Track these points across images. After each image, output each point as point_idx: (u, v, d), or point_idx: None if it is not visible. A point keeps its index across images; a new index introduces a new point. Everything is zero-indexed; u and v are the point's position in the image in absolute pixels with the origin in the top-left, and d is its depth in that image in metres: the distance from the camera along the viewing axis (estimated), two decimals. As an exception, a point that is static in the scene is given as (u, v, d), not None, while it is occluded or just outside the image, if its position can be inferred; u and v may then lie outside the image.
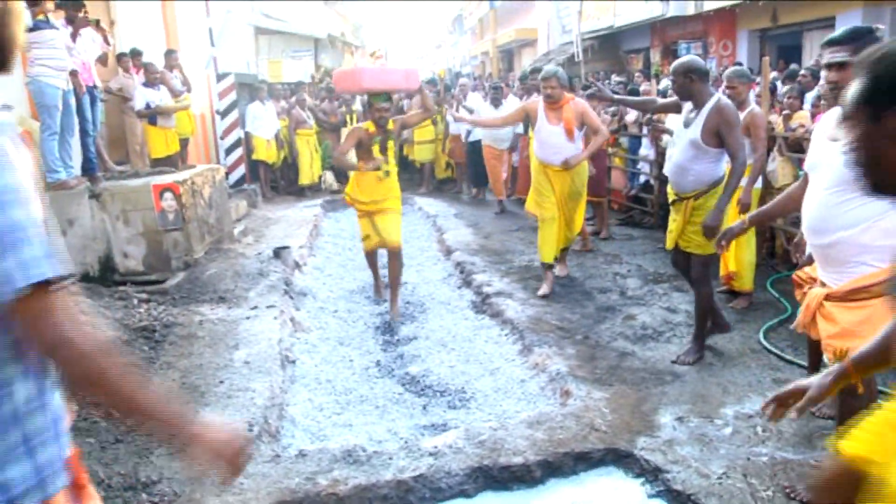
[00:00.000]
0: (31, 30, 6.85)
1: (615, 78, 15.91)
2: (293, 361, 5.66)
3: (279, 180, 14.68)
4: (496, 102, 11.11)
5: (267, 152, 13.61)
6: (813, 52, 13.90)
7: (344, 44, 28.77)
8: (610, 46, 22.83)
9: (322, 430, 4.62)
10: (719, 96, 4.89)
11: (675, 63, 5.02)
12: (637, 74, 15.09)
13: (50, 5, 7.08)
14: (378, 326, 6.66)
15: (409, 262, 8.88)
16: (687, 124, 4.91)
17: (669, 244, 5.32)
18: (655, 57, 20.53)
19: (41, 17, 6.95)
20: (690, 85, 4.85)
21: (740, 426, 4.21)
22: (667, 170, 5.26)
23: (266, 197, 13.49)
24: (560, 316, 6.30)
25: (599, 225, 9.50)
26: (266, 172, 14.02)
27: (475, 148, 11.97)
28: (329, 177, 14.72)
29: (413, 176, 14.74)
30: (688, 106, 4.97)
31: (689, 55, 5.16)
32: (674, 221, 5.18)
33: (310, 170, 14.42)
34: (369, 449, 4.05)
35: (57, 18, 7.36)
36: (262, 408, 4.58)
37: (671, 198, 5.20)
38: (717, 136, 4.76)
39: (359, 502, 3.61)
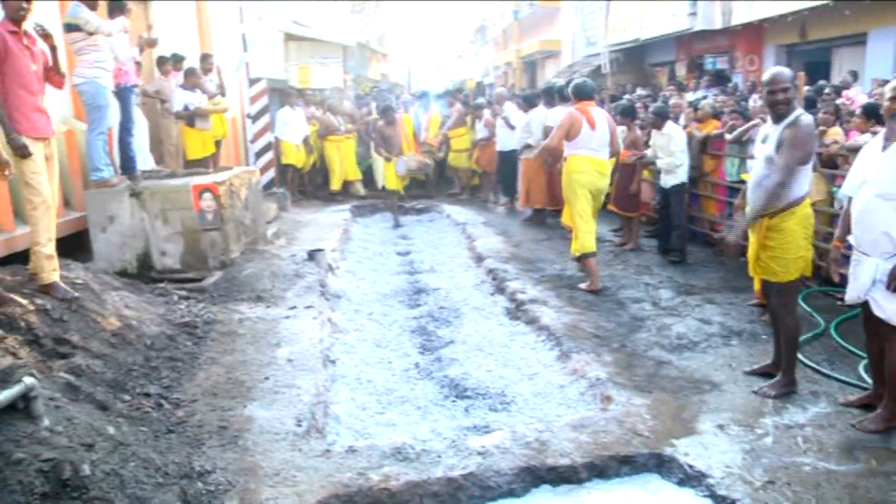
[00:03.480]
0: (88, 33, 6.98)
1: (640, 91, 15.96)
2: (333, 361, 5.75)
3: (307, 185, 14.82)
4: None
5: (296, 157, 13.75)
6: (843, 68, 13.91)
7: (371, 51, 28.97)
8: (635, 59, 22.89)
9: (366, 429, 4.70)
10: (801, 111, 4.63)
11: (777, 73, 4.63)
12: (669, 87, 15.12)
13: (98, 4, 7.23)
14: (414, 330, 6.74)
15: (441, 268, 9.00)
16: (765, 140, 4.74)
17: (751, 271, 5.07)
18: (681, 70, 20.58)
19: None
20: (790, 95, 4.60)
21: (781, 436, 4.26)
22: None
23: (294, 200, 13.61)
24: (595, 324, 6.36)
25: (626, 237, 9.56)
26: (294, 176, 14.16)
27: (506, 157, 12.06)
28: (358, 184, 14.86)
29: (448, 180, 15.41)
30: (769, 121, 4.79)
31: (775, 67, 4.93)
32: (752, 245, 4.92)
33: (340, 176, 14.55)
34: (417, 447, 4.12)
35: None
36: (309, 404, 4.67)
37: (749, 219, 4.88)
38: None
39: (410, 498, 3.69)
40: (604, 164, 7.46)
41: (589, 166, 7.34)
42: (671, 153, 8.33)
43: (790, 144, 4.50)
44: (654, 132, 8.74)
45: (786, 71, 4.69)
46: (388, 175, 12.40)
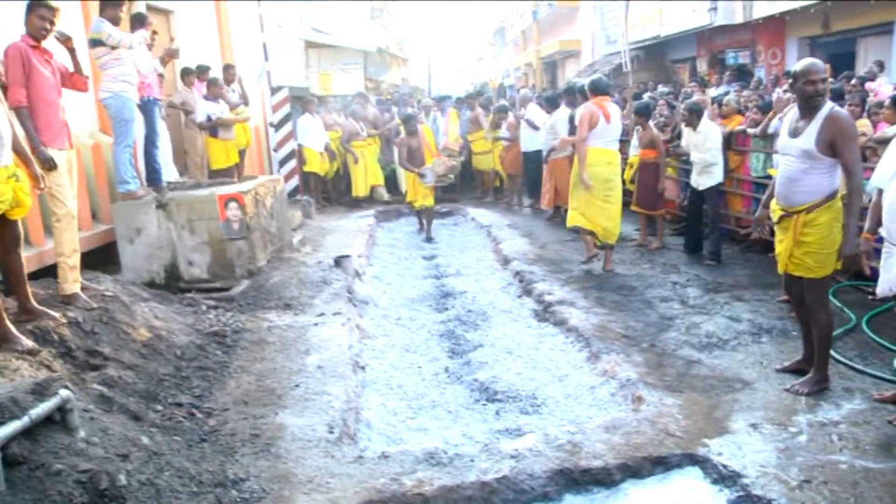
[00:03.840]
0: (111, 47, 7.07)
1: (661, 88, 15.87)
2: (363, 367, 5.77)
3: (331, 191, 14.88)
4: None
5: (320, 164, 13.80)
6: (868, 59, 13.73)
7: (391, 56, 29.05)
8: (656, 56, 22.78)
9: (398, 434, 4.71)
10: (833, 105, 4.56)
11: (812, 64, 4.58)
12: (691, 83, 15.02)
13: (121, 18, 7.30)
14: (442, 334, 6.75)
15: (467, 271, 9.00)
16: (794, 134, 4.63)
17: (781, 268, 4.93)
18: (702, 66, 20.43)
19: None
20: (827, 86, 4.56)
21: (815, 434, 4.21)
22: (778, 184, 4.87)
23: (319, 207, 13.67)
24: (624, 324, 6.33)
25: (643, 237, 9.48)
26: (317, 183, 14.22)
27: (530, 158, 12.04)
28: (382, 189, 14.89)
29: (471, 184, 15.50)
30: (791, 114, 4.74)
31: (808, 58, 4.83)
32: (780, 242, 4.84)
33: (364, 182, 14.61)
34: (450, 452, 4.12)
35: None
36: (340, 411, 4.69)
37: (776, 215, 4.83)
38: (832, 146, 4.45)
39: (444, 503, 3.69)
40: (614, 154, 8.12)
41: (601, 157, 7.97)
42: (707, 150, 8.22)
43: (847, 138, 4.45)
44: (686, 130, 8.64)
45: (820, 62, 4.62)
46: (418, 191, 11.29)
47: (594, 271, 8.18)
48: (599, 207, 8.03)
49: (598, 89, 8.14)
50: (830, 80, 8.99)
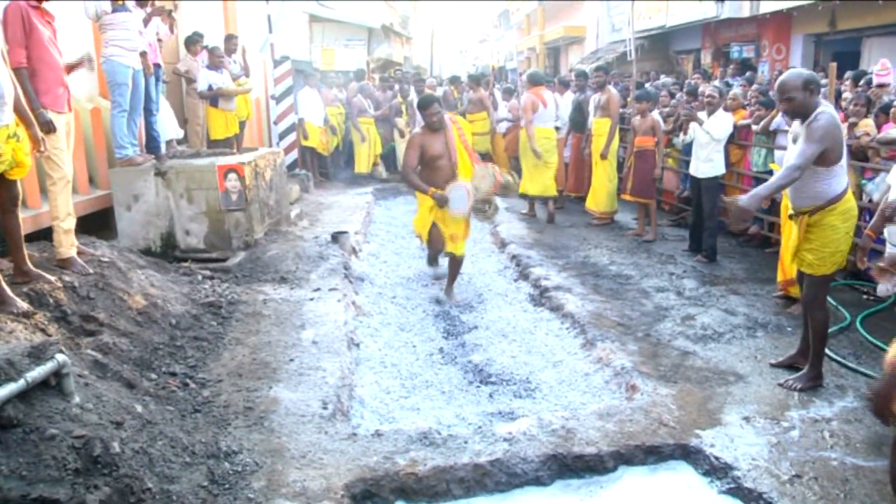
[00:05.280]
0: (107, 13, 7.03)
1: (664, 78, 15.81)
2: (357, 344, 5.76)
3: (329, 167, 14.82)
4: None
5: (319, 140, 13.73)
6: (872, 59, 13.70)
7: (395, 34, 28.88)
8: (660, 46, 22.70)
9: (390, 412, 4.72)
10: (823, 109, 4.46)
11: (782, 82, 4.55)
12: (695, 75, 14.97)
13: None
14: (438, 314, 6.74)
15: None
16: (795, 139, 4.64)
17: (790, 260, 5.04)
18: (706, 58, 20.38)
19: (118, 1, 7.12)
20: (810, 99, 4.48)
21: (807, 430, 4.23)
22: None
23: (317, 182, 13.61)
24: (620, 312, 6.34)
25: (641, 227, 9.45)
26: (314, 158, 14.15)
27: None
28: (380, 167, 14.84)
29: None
30: (797, 120, 4.67)
31: (797, 69, 4.76)
32: (791, 237, 4.93)
33: (368, 159, 14.54)
34: (443, 432, 4.13)
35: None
36: (334, 387, 4.69)
37: (789, 212, 4.89)
38: (824, 150, 4.41)
39: (436, 483, 3.70)
40: (550, 131, 10.31)
41: (542, 134, 10.10)
42: (717, 140, 8.08)
43: (805, 138, 4.45)
44: (704, 115, 8.43)
45: (792, 78, 4.54)
46: (445, 224, 7.08)
47: (591, 258, 8.19)
48: (542, 170, 10.18)
49: (535, 81, 10.42)
50: (836, 80, 8.97)
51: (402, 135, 14.10)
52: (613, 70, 17.83)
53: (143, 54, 7.63)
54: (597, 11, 26.43)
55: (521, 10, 38.25)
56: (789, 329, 5.83)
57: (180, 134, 9.59)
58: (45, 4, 5.43)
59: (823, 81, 7.79)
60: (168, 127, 8.83)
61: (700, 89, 10.38)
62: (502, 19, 45.94)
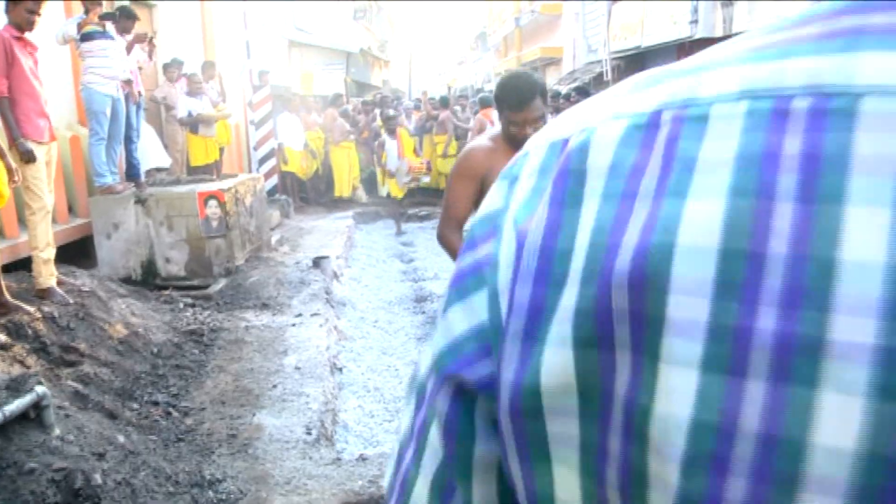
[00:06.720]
0: (84, 39, 7.04)
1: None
2: (340, 369, 5.75)
3: (309, 191, 14.83)
4: None
5: (299, 164, 13.75)
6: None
7: (374, 58, 29.01)
8: (636, 66, 22.87)
9: (374, 436, 4.71)
10: None
11: None
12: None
13: (95, 16, 7.18)
14: (419, 338, 6.74)
15: (444, 275, 8.97)
16: None
17: None
18: (682, 78, 20.57)
19: (96, 27, 7.11)
20: None
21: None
22: None
23: (297, 207, 13.61)
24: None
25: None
26: (294, 183, 14.15)
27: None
28: (360, 191, 14.87)
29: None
30: None
31: None
32: None
33: (348, 182, 14.57)
34: (428, 455, 4.12)
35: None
36: (318, 412, 4.67)
37: None
38: None
39: (422, 507, 3.68)
40: None
41: None
42: None
43: None
44: None
45: None
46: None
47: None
48: None
49: (485, 103, 11.65)
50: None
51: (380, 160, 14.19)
52: (592, 90, 17.98)
53: (129, 82, 7.63)
54: (573, 32, 26.68)
55: (498, 32, 38.51)
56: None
57: (168, 162, 9.57)
58: (27, 35, 5.43)
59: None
60: (155, 155, 8.81)
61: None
62: (480, 41, 46.21)
